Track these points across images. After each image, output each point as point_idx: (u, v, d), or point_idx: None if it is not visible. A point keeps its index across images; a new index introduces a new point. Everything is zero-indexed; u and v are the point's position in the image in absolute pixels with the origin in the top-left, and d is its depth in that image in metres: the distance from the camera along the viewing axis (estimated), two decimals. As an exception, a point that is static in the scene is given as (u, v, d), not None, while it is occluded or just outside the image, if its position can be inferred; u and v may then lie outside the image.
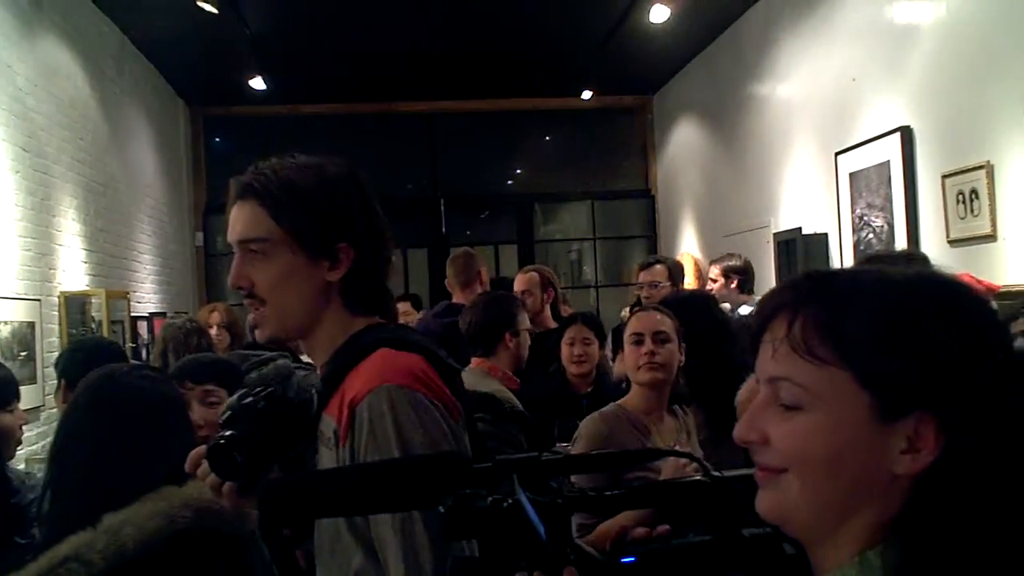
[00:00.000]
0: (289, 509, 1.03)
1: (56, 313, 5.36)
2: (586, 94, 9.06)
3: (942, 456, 0.78)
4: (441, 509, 0.84)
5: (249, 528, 1.74)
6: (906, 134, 4.91)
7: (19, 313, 4.83)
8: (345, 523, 1.36)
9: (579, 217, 10.59)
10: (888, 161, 5.07)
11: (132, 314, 6.64)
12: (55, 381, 3.49)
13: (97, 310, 5.87)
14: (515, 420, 3.04)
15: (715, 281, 5.36)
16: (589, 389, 3.76)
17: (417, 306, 6.87)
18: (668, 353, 2.72)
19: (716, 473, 0.93)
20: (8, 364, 3.92)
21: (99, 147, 6.46)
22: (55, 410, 4.22)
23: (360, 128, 9.41)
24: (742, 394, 2.10)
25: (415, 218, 9.84)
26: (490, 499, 0.83)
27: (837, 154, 5.66)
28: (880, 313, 0.81)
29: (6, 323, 4.66)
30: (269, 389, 1.45)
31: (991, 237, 4.21)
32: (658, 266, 5.20)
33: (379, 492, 0.95)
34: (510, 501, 0.83)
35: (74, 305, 5.60)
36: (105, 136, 6.63)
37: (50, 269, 5.36)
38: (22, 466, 3.90)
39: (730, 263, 5.41)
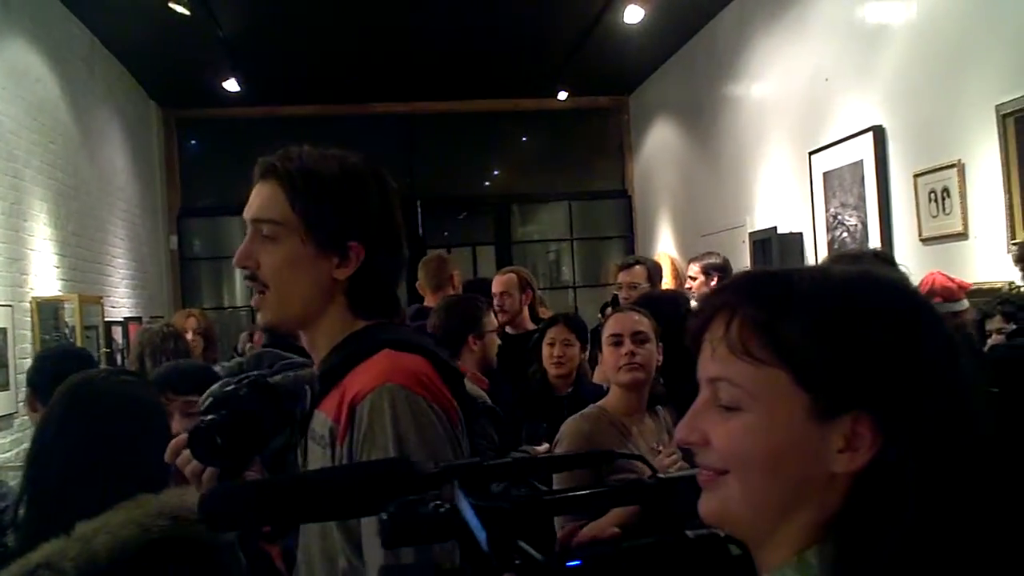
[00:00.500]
0: (232, 518, 1.00)
1: (28, 319, 5.30)
2: (562, 95, 9.07)
3: (878, 455, 0.78)
4: (383, 516, 0.83)
5: (228, 537, 1.73)
6: (878, 134, 4.95)
7: (-10, 319, 4.77)
8: (336, 523, 1.35)
9: (556, 218, 10.60)
10: (861, 160, 5.11)
11: (106, 319, 6.57)
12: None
13: (70, 315, 5.81)
14: (486, 415, 3.06)
15: (695, 279, 5.37)
16: (569, 390, 3.76)
17: None
18: (647, 354, 2.72)
19: (662, 475, 0.93)
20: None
21: (70, 150, 6.39)
22: (28, 417, 4.17)
23: (336, 129, 9.36)
24: None
25: (392, 220, 9.76)
26: (431, 506, 0.82)
27: (811, 154, 5.70)
28: (816, 312, 0.80)
29: (-23, 330, 4.60)
30: (252, 376, 1.43)
31: (962, 235, 4.26)
32: (637, 267, 5.20)
33: (323, 500, 0.94)
34: (447, 507, 0.82)
35: (47, 311, 5.53)
36: (76, 139, 6.57)
37: (22, 274, 5.30)
38: (-6, 474, 3.85)
39: (710, 261, 5.43)
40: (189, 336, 4.64)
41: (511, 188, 10.72)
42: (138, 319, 7.33)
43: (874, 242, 4.97)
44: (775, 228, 6.12)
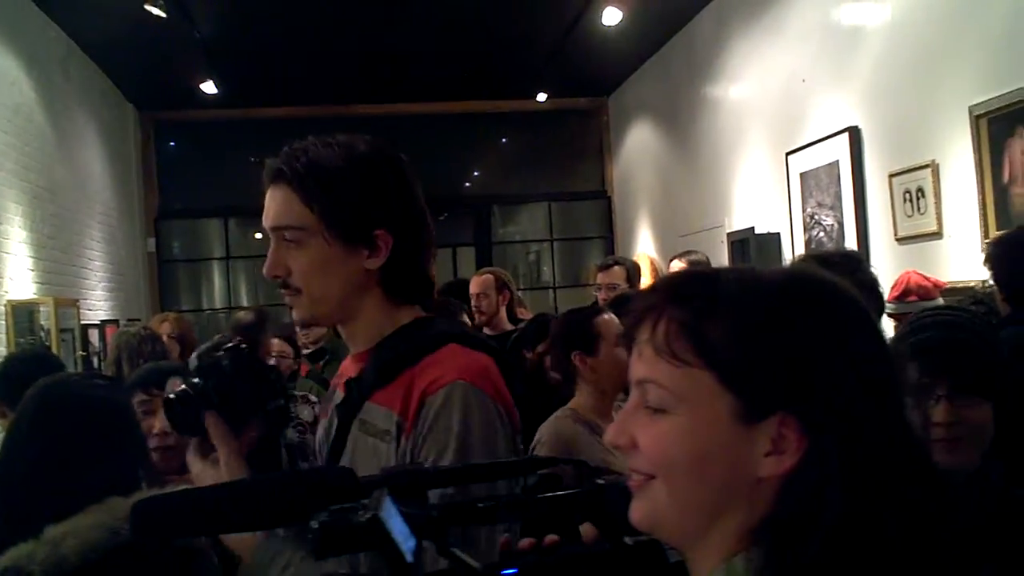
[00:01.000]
0: (164, 527, 0.99)
1: (3, 322, 5.25)
2: (542, 96, 9.08)
3: (804, 459, 0.77)
4: (314, 524, 0.81)
5: (200, 541, 1.72)
6: (854, 134, 4.99)
7: (-36, 323, 4.71)
8: None
9: (536, 218, 10.62)
10: (837, 161, 5.15)
11: (82, 322, 6.52)
12: None
13: (45, 318, 5.76)
14: None
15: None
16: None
17: None
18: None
19: (601, 481, 0.92)
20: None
21: (45, 153, 6.34)
22: None
23: (315, 131, 9.09)
24: None
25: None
26: (361, 514, 0.81)
27: (788, 154, 5.73)
28: (741, 313, 0.79)
29: (-50, 334, 4.55)
30: (233, 345, 1.42)
31: (937, 234, 4.29)
32: (616, 268, 5.23)
33: (258, 509, 0.93)
34: (368, 516, 0.80)
35: (21, 314, 5.48)
36: (52, 142, 6.51)
37: (-4, 278, 5.25)
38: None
39: (693, 258, 5.46)
40: (164, 340, 4.61)
41: (491, 189, 10.72)
42: (115, 322, 7.27)
43: (850, 242, 5.00)
44: (753, 228, 6.15)
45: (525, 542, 0.88)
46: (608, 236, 10.19)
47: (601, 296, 4.99)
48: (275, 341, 4.59)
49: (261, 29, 7.17)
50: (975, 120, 3.93)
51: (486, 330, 4.41)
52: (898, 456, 0.79)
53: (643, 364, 0.83)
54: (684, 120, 7.80)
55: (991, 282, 2.95)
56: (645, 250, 8.80)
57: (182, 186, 9.57)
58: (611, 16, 6.38)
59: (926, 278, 3.65)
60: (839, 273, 2.32)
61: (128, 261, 8.60)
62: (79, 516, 1.58)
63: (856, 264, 2.31)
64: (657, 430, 0.81)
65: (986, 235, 3.85)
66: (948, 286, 3.78)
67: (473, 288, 4.58)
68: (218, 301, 9.96)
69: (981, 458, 1.51)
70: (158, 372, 2.56)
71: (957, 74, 4.12)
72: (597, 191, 10.32)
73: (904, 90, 4.56)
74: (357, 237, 1.38)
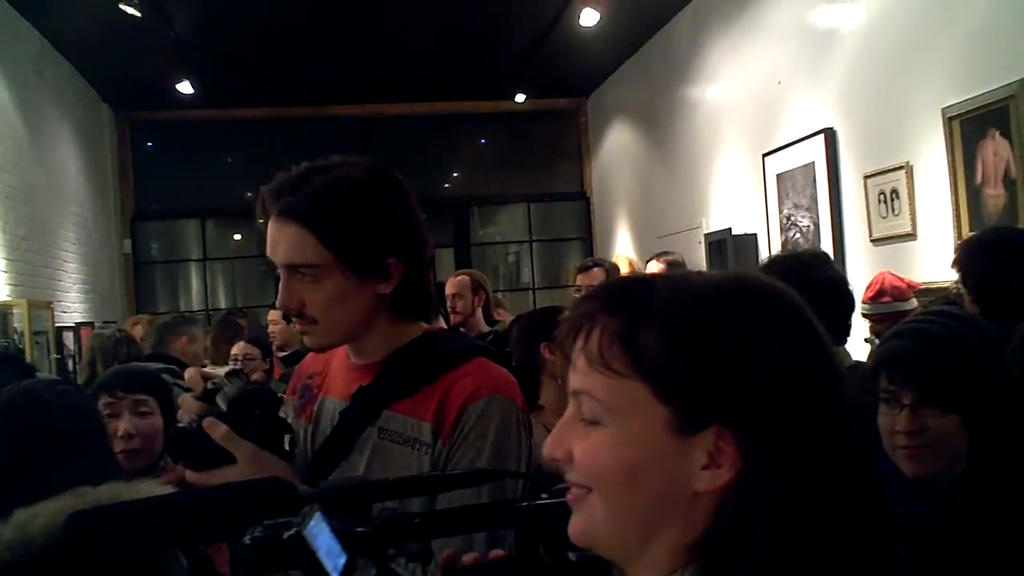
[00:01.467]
0: (100, 541, 0.96)
1: (-25, 325, 5.19)
2: (520, 97, 9.08)
3: (741, 472, 0.74)
4: (246, 540, 0.80)
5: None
6: (829, 136, 5.02)
7: (-66, 326, 4.65)
8: None
9: (516, 220, 10.61)
10: (813, 162, 5.18)
11: (57, 324, 6.45)
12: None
13: (19, 321, 5.69)
14: None
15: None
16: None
17: None
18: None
19: (545, 496, 0.90)
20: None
21: (18, 153, 6.27)
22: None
23: (292, 132, 9.28)
24: None
25: (350, 223, 9.74)
26: (294, 530, 0.79)
27: (764, 155, 5.76)
28: (674, 322, 0.76)
29: (-80, 337, 4.49)
30: (262, 415, 1.43)
31: (911, 236, 4.33)
32: (596, 269, 5.26)
33: (195, 522, 0.91)
34: (291, 533, 0.78)
35: (-6, 316, 5.42)
36: (25, 142, 6.44)
37: (-33, 280, 5.19)
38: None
39: (669, 258, 5.50)
40: (138, 342, 4.59)
41: (470, 190, 10.71)
42: (90, 324, 7.21)
43: (826, 243, 5.03)
44: (730, 229, 6.17)
45: (469, 557, 0.87)
46: (587, 237, 10.20)
47: (579, 297, 5.01)
48: (240, 344, 4.57)
49: (237, 29, 7.13)
50: (948, 122, 3.96)
51: (462, 331, 4.41)
52: (836, 469, 0.76)
53: (577, 375, 0.80)
54: (662, 121, 7.82)
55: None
56: (624, 251, 8.81)
57: (158, 187, 9.50)
58: (589, 17, 6.39)
59: (900, 279, 3.68)
60: (809, 271, 2.34)
61: (103, 263, 8.52)
62: (46, 501, 1.56)
63: (824, 263, 2.32)
64: (591, 443, 0.78)
65: (959, 236, 3.88)
66: (922, 287, 3.80)
67: (449, 289, 4.58)
68: (195, 303, 9.88)
69: (947, 466, 1.52)
70: (127, 374, 2.55)
71: (930, 76, 4.15)
72: (576, 192, 10.33)
73: (879, 92, 4.59)
74: (371, 269, 1.43)
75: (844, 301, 2.26)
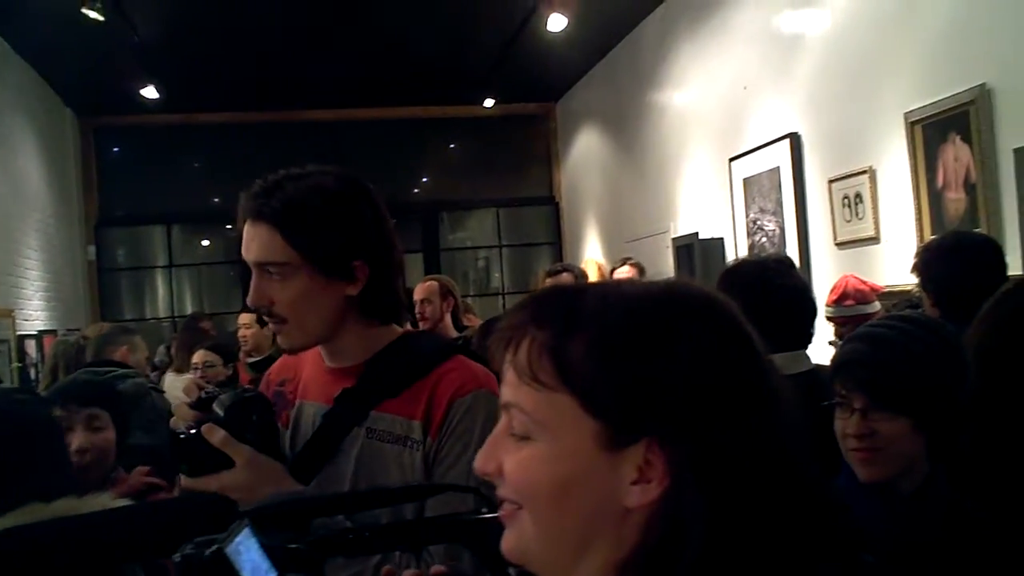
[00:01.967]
0: (23, 561, 0.94)
1: (-67, 334, 5.10)
2: (489, 102, 9.08)
3: (671, 487, 0.72)
4: (176, 558, 0.78)
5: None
6: (795, 140, 5.06)
7: None
8: None
9: (485, 224, 10.61)
10: (778, 167, 5.22)
11: (19, 332, 6.36)
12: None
13: (-21, 330, 5.61)
14: None
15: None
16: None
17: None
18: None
19: (485, 511, 0.89)
20: None
21: (-21, 159, 6.17)
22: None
23: (261, 137, 9.23)
24: None
25: (319, 228, 9.71)
26: (215, 547, 0.77)
27: (731, 160, 5.80)
28: (602, 334, 0.74)
29: None
30: (259, 422, 1.44)
31: (874, 239, 4.37)
32: (565, 274, 5.27)
33: (123, 540, 0.90)
34: (211, 551, 0.77)
35: (-47, 325, 5.33)
36: (-14, 147, 6.35)
37: (-75, 288, 5.09)
38: None
39: (635, 261, 5.55)
40: (98, 349, 4.53)
41: (439, 195, 10.69)
42: (53, 332, 7.11)
43: (791, 246, 5.07)
44: (697, 234, 6.21)
45: (409, 573, 0.86)
46: (556, 242, 10.22)
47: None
48: (200, 352, 4.53)
49: (202, 33, 7.07)
50: (910, 127, 4.01)
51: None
52: (769, 480, 0.74)
53: (507, 388, 0.78)
54: (630, 126, 7.85)
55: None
56: (593, 256, 8.83)
57: (124, 192, 9.40)
58: (556, 22, 6.40)
59: (863, 282, 3.71)
60: (773, 278, 2.34)
61: (66, 270, 8.41)
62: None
63: (788, 268, 2.33)
64: (521, 458, 0.76)
65: (921, 239, 3.92)
66: (885, 290, 3.84)
67: (417, 295, 4.57)
68: (162, 310, 9.78)
69: (902, 471, 1.52)
70: (82, 386, 2.51)
71: (893, 82, 4.20)
72: (545, 197, 10.35)
73: (842, 97, 4.64)
74: (337, 270, 1.48)
75: (806, 307, 2.27)
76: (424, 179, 10.91)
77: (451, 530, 0.90)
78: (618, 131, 8.29)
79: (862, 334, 1.62)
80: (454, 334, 4.46)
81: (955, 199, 3.81)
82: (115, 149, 9.60)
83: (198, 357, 4.47)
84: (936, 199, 3.91)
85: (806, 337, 2.25)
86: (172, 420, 1.50)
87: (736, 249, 5.79)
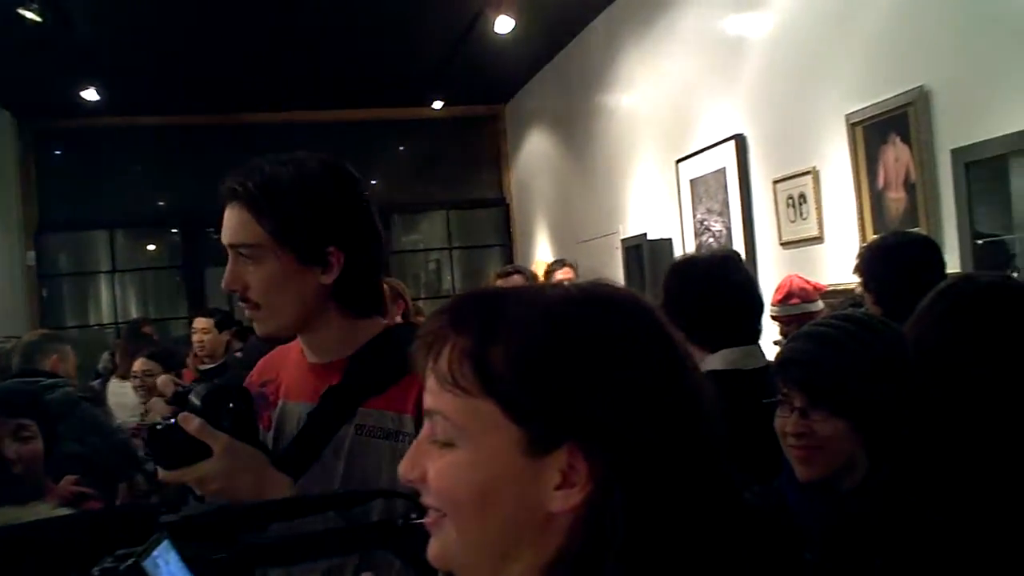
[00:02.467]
0: None
1: None
2: (437, 104, 9.06)
3: (593, 492, 0.73)
4: (95, 572, 0.76)
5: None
6: (740, 142, 5.12)
7: None
8: None
9: (436, 227, 10.58)
10: (724, 168, 5.27)
11: (-46, 341, 6.17)
12: None
13: (-88, 339, 5.44)
14: None
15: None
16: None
17: (225, 325, 5.46)
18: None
19: (414, 516, 0.89)
20: None
21: (-89, 163, 5.99)
22: None
23: (206, 140, 9.10)
24: None
25: (266, 231, 9.61)
26: (131, 560, 0.76)
27: (678, 161, 5.85)
28: (521, 338, 0.74)
29: None
30: (236, 409, 1.41)
31: (818, 239, 4.44)
32: (516, 276, 5.27)
33: (39, 554, 0.87)
34: (127, 565, 0.75)
35: None
36: (-82, 151, 6.16)
37: None
38: None
39: (570, 263, 5.58)
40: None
41: (389, 197, 10.61)
42: (-8, 340, 6.92)
43: (738, 246, 5.12)
44: (645, 235, 6.25)
45: None
46: (507, 244, 10.23)
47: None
48: (141, 360, 4.46)
49: (144, 34, 6.93)
50: (851, 128, 4.08)
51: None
52: (693, 483, 0.75)
53: (429, 395, 0.78)
54: (579, 128, 7.89)
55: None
56: (544, 257, 8.85)
57: (65, 197, 9.19)
58: (503, 24, 6.40)
59: (807, 282, 3.77)
60: (722, 272, 2.35)
61: (5, 276, 8.21)
62: None
63: (733, 264, 2.35)
64: (443, 465, 0.76)
65: (864, 239, 3.99)
66: (828, 289, 3.90)
67: (367, 298, 4.52)
68: (105, 316, 9.58)
69: (840, 470, 1.53)
70: (8, 394, 2.45)
71: (834, 84, 4.26)
72: (495, 199, 10.35)
73: (786, 99, 4.70)
74: (309, 254, 1.45)
75: (755, 302, 2.29)
76: (373, 181, 10.83)
77: (380, 537, 0.89)
78: (567, 133, 8.32)
79: (804, 333, 1.64)
80: (404, 337, 4.43)
81: (896, 199, 3.88)
82: (56, 152, 9.39)
83: (139, 365, 4.39)
84: (877, 199, 3.98)
85: (755, 332, 2.27)
86: (149, 415, 1.48)
87: (684, 250, 5.84)
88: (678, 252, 5.92)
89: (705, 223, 5.59)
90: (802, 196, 4.54)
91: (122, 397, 5.38)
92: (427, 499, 0.79)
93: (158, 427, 1.36)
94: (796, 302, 3.67)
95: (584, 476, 0.73)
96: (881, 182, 3.96)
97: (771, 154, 4.89)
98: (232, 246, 1.47)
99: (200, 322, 5.17)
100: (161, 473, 1.35)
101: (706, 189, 5.53)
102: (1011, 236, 3.28)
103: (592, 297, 0.79)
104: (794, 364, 1.57)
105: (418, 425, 1.41)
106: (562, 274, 5.52)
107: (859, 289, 3.39)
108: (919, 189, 3.71)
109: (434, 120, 9.78)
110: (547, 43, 7.89)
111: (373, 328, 1.53)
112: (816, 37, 4.41)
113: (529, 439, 0.74)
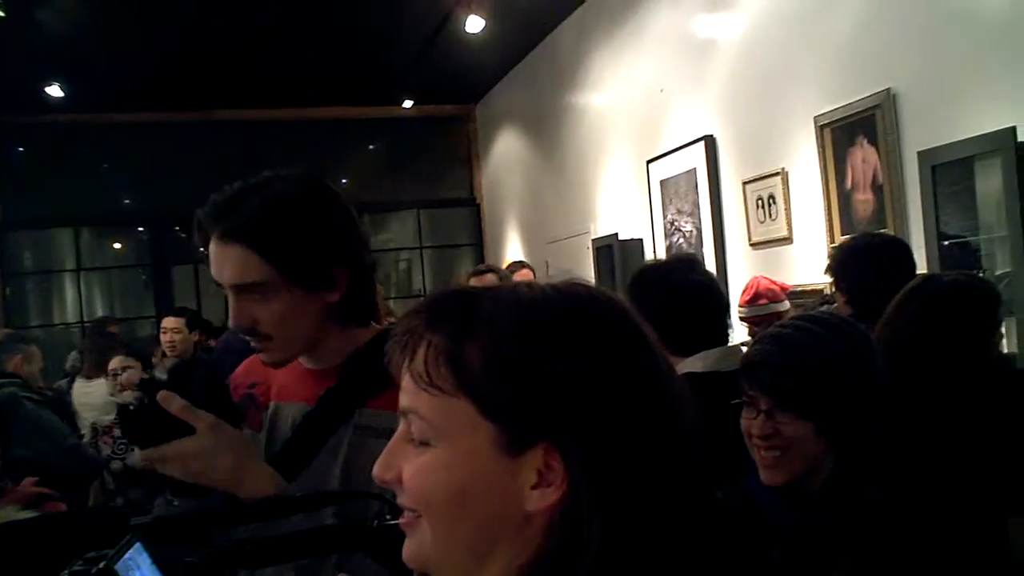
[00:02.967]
0: None
1: None
2: (407, 103, 9.03)
3: (569, 491, 0.73)
4: (65, 574, 0.75)
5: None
6: (710, 143, 5.15)
7: None
8: None
9: (406, 226, 10.54)
10: (695, 169, 5.30)
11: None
12: None
13: None
14: None
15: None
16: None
17: (195, 324, 5.38)
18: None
19: (389, 517, 0.88)
20: None
21: None
22: None
23: (173, 137, 8.99)
24: None
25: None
26: (103, 564, 0.75)
27: (648, 162, 5.87)
28: (497, 337, 0.74)
29: None
30: (203, 362, 1.39)
31: (787, 239, 4.48)
32: (490, 274, 5.26)
33: (21, 554, 0.87)
34: (99, 568, 0.75)
35: None
36: None
37: None
38: None
39: (529, 265, 5.60)
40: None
41: (360, 197, 10.54)
42: (-47, 340, 6.80)
43: (708, 247, 5.16)
44: (616, 235, 6.27)
45: None
46: (478, 243, 10.22)
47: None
48: (118, 358, 4.41)
49: (110, 29, 6.84)
50: (820, 130, 4.12)
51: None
52: (667, 482, 0.76)
53: (405, 394, 0.78)
54: (550, 128, 7.90)
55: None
56: (514, 257, 8.85)
57: (29, 194, 9.04)
58: (474, 24, 6.40)
59: (773, 282, 3.80)
60: (674, 276, 2.36)
61: (-32, 275, 8.07)
62: None
63: (692, 266, 2.36)
64: (419, 465, 0.76)
65: (832, 239, 4.03)
66: (795, 289, 3.94)
67: (335, 299, 4.51)
68: (70, 315, 9.45)
69: (807, 472, 1.54)
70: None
71: (803, 86, 4.30)
72: (466, 198, 10.34)
73: (755, 101, 4.74)
74: (318, 281, 1.45)
75: (714, 301, 2.29)
76: (343, 180, 10.77)
77: (354, 538, 0.89)
78: (538, 133, 8.33)
79: (769, 335, 1.65)
80: (375, 337, 4.42)
81: (863, 200, 3.92)
82: (19, 149, 9.24)
83: (116, 363, 4.33)
84: (845, 200, 4.02)
85: (721, 332, 2.28)
86: (124, 394, 1.46)
87: (655, 250, 5.87)
88: (649, 253, 5.94)
89: (675, 224, 5.62)
90: (771, 197, 4.58)
91: (88, 397, 5.31)
92: (402, 499, 0.78)
93: (130, 407, 1.35)
94: (764, 302, 3.70)
95: (560, 475, 0.73)
96: (849, 183, 4.00)
97: (741, 155, 4.93)
98: (237, 287, 1.43)
99: (170, 321, 5.12)
100: (138, 453, 1.33)
101: (676, 190, 5.56)
102: (976, 237, 3.33)
103: (567, 297, 0.79)
104: (759, 367, 1.58)
105: None
106: (520, 276, 5.52)
107: (828, 289, 3.43)
108: (886, 191, 3.76)
109: (405, 119, 9.75)
110: (518, 43, 7.90)
111: (368, 333, 1.53)
112: (785, 40, 4.45)
113: (505, 438, 0.74)
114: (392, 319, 5.52)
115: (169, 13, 6.55)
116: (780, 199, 4.49)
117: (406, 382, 0.78)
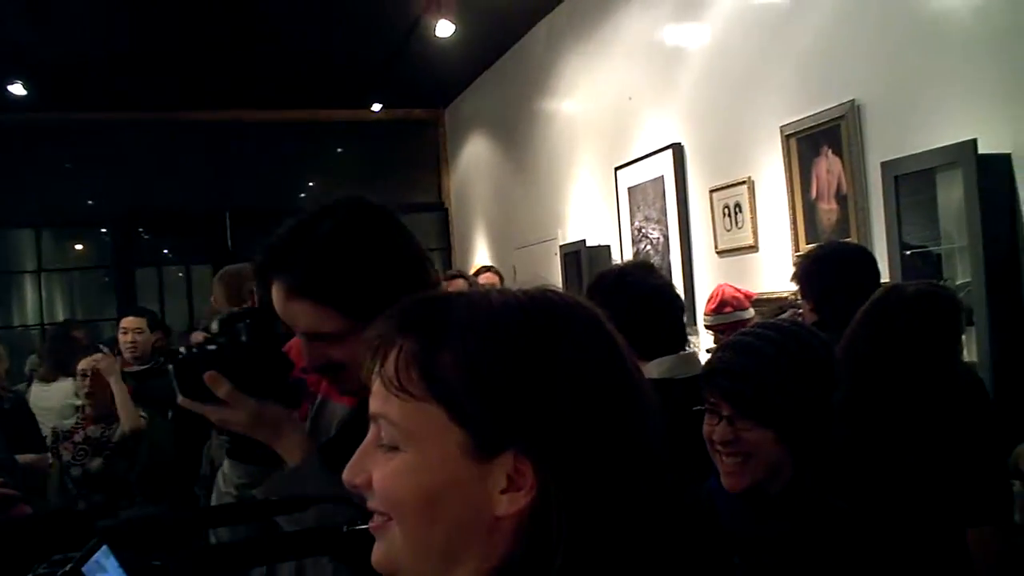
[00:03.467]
0: None
1: None
2: (376, 107, 9.00)
3: (538, 495, 0.74)
4: None
5: None
6: (677, 151, 5.18)
7: None
8: None
9: (374, 230, 10.48)
10: (662, 176, 5.33)
11: None
12: None
13: None
14: None
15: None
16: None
17: (155, 326, 5.35)
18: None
19: (360, 523, 0.88)
20: None
21: None
22: None
23: (138, 137, 8.88)
24: None
25: (199, 232, 9.44)
26: (69, 566, 0.74)
27: (616, 169, 5.90)
28: (467, 342, 0.75)
29: None
30: (255, 311, 1.39)
31: (753, 248, 4.51)
32: (459, 280, 5.26)
33: None
34: (65, 570, 0.74)
35: None
36: None
37: None
38: None
39: (495, 269, 5.61)
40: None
41: (328, 200, 10.49)
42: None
43: (675, 254, 5.19)
44: (584, 241, 6.29)
45: None
46: (446, 248, 10.20)
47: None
48: (89, 359, 4.33)
49: (73, 26, 6.75)
50: (786, 139, 4.16)
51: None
52: (636, 488, 0.76)
53: (375, 399, 0.78)
54: (519, 133, 7.91)
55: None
56: (482, 262, 8.84)
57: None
58: (444, 28, 6.40)
59: (737, 290, 3.83)
60: (633, 283, 2.37)
61: (-75, 275, 7.92)
62: None
63: (645, 270, 2.37)
64: (389, 469, 0.76)
65: (797, 248, 4.07)
66: (760, 297, 3.97)
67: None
68: (30, 317, 9.30)
69: (768, 478, 1.55)
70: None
71: (769, 95, 4.34)
72: (434, 203, 10.32)
73: (722, 109, 4.78)
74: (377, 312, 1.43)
75: (669, 304, 2.30)
76: (311, 184, 10.72)
77: (322, 543, 0.88)
78: (507, 138, 8.34)
79: (730, 343, 1.66)
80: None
81: (828, 209, 3.97)
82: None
83: (87, 363, 4.23)
84: (810, 209, 4.07)
85: (680, 335, 2.28)
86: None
87: (622, 256, 5.89)
88: (616, 259, 5.96)
89: (643, 231, 5.65)
90: (738, 205, 4.61)
91: (46, 401, 5.22)
92: (372, 504, 0.78)
93: (181, 353, 1.34)
94: (730, 310, 3.72)
95: (530, 480, 0.74)
96: (814, 193, 4.04)
97: (708, 163, 4.96)
98: (310, 335, 1.40)
99: (130, 321, 4.94)
100: (181, 399, 1.34)
101: (644, 197, 5.59)
102: (938, 247, 3.37)
103: (539, 303, 0.79)
104: (720, 374, 1.59)
105: None
106: (485, 279, 5.54)
107: (792, 297, 3.46)
108: (850, 200, 3.80)
109: (373, 123, 9.72)
110: (488, 48, 7.90)
111: None
112: (752, 50, 4.49)
113: (475, 443, 0.74)
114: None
115: (135, 12, 6.48)
116: (746, 207, 4.53)
117: (376, 387, 0.78)
